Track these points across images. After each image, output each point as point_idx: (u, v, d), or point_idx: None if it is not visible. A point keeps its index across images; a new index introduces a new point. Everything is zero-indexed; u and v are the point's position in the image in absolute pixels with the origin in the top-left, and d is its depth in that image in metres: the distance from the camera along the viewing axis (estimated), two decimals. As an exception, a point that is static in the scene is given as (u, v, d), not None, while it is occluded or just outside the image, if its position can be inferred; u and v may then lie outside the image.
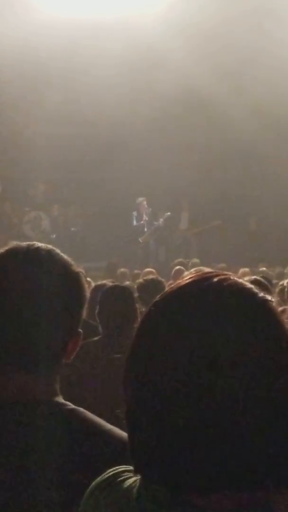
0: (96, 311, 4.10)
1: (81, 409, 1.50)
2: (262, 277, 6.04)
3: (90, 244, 16.93)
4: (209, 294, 1.03)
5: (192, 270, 4.06)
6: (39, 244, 1.52)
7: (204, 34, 14.31)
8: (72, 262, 1.53)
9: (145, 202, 15.66)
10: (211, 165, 16.39)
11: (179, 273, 9.51)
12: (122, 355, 3.60)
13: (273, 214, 16.35)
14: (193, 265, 10.07)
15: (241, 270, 10.51)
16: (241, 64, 14.61)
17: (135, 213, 15.76)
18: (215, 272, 1.08)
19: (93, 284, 5.81)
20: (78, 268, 1.54)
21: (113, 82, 15.01)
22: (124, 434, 1.42)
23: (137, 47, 14.52)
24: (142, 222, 15.76)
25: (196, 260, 12.02)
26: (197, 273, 1.09)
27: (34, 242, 1.53)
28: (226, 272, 1.09)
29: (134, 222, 15.81)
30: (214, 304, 1.02)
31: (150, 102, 15.74)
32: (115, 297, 4.02)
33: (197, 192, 16.50)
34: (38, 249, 1.50)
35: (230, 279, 1.05)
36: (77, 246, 16.35)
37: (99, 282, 5.84)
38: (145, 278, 6.39)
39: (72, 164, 16.94)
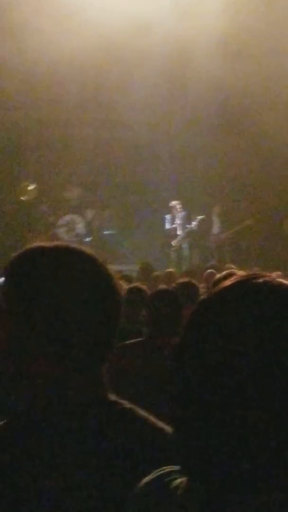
0: (143, 312, 4.13)
1: (138, 409, 1.48)
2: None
3: (123, 247, 16.96)
4: (253, 294, 1.04)
5: (224, 272, 4.07)
6: (81, 247, 1.52)
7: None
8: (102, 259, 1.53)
9: (178, 206, 15.64)
10: (244, 169, 16.31)
11: (211, 277, 9.51)
12: (164, 358, 3.64)
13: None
14: (226, 269, 10.04)
15: (274, 274, 10.42)
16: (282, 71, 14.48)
17: (168, 217, 15.74)
18: (259, 273, 1.09)
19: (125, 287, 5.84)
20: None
21: (149, 85, 15.01)
22: None
23: (173, 51, 14.51)
24: (175, 225, 15.74)
25: (231, 265, 11.97)
26: (242, 275, 1.10)
27: (75, 245, 1.53)
28: (268, 274, 1.09)
29: (167, 226, 15.80)
30: (258, 303, 1.02)
31: (184, 105, 15.73)
32: (164, 301, 4.04)
33: (230, 197, 16.45)
34: (82, 252, 1.50)
35: (274, 279, 1.07)
36: (111, 249, 16.41)
37: (132, 285, 5.87)
38: (178, 281, 6.40)
39: (106, 167, 16.99)
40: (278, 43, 14.07)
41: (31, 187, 16.31)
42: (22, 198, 16.16)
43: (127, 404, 1.48)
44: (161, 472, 1.16)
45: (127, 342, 4.08)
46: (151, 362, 3.82)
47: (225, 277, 3.74)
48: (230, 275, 3.76)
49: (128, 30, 14.02)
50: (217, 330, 1.02)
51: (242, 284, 1.06)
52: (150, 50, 14.50)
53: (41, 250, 1.47)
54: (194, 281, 6.75)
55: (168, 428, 1.43)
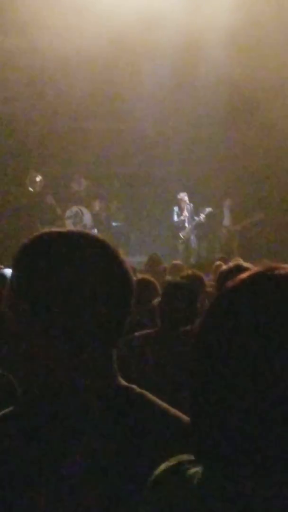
0: (158, 304, 4.17)
1: (149, 395, 1.49)
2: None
3: (131, 239, 17.00)
4: (277, 284, 1.03)
5: (230, 263, 4.08)
6: (92, 233, 1.54)
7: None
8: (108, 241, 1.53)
9: (186, 197, 15.63)
10: (255, 162, 16.28)
11: (219, 269, 9.49)
12: (176, 350, 3.64)
13: None
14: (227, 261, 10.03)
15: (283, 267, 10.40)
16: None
17: (176, 208, 15.74)
18: (279, 265, 1.09)
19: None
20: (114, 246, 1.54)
21: (157, 77, 15.01)
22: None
23: (182, 44, 14.48)
24: (182, 217, 15.74)
25: (238, 258, 11.94)
26: (260, 267, 1.09)
27: (86, 231, 1.55)
28: (282, 266, 1.09)
29: (175, 218, 15.80)
30: (283, 293, 1.02)
31: (193, 98, 15.70)
32: (179, 293, 4.05)
33: (241, 189, 16.43)
34: (93, 237, 1.51)
35: (286, 270, 1.06)
36: (118, 241, 16.43)
37: (139, 277, 5.84)
38: (182, 274, 6.41)
39: (114, 159, 17.01)
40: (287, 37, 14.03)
41: (38, 178, 16.34)
42: (30, 189, 16.19)
43: (137, 389, 1.49)
44: (177, 460, 1.16)
45: (138, 333, 4.08)
46: (163, 353, 3.82)
47: (232, 270, 3.74)
48: (237, 267, 3.75)
49: (136, 23, 14.03)
50: (241, 321, 1.02)
51: (264, 274, 1.06)
52: (158, 42, 14.52)
53: (53, 235, 1.49)
54: (199, 273, 6.75)
55: (179, 414, 1.46)
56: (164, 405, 1.48)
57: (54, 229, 1.52)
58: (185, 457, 1.15)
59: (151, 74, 14.93)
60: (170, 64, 15.01)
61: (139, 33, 14.06)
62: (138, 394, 1.48)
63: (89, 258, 1.44)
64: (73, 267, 1.42)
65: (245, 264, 3.90)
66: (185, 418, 1.43)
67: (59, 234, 1.49)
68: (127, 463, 1.37)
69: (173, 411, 1.47)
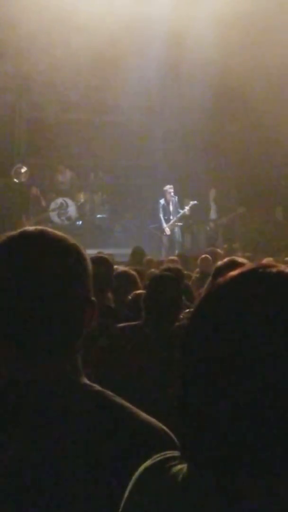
0: (143, 296, 4.17)
1: (108, 392, 1.48)
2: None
3: (115, 231, 16.98)
4: (267, 283, 1.03)
5: (226, 259, 4.07)
6: (31, 228, 1.52)
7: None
8: (67, 236, 1.52)
9: (171, 190, 15.62)
10: (240, 155, 16.32)
11: (205, 262, 9.53)
12: (160, 342, 3.66)
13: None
14: (219, 254, 10.05)
15: (265, 260, 10.46)
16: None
17: (162, 201, 15.73)
18: (270, 263, 1.07)
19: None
20: (73, 240, 1.53)
21: (143, 69, 14.98)
22: (151, 419, 1.44)
23: (167, 36, 14.47)
24: (168, 209, 15.73)
25: (218, 250, 11.97)
26: (253, 264, 1.09)
27: (27, 227, 1.52)
28: (273, 263, 1.08)
29: (160, 210, 15.79)
30: (272, 292, 1.01)
31: (179, 90, 15.69)
32: (164, 287, 4.05)
33: (225, 181, 16.47)
34: (30, 232, 1.50)
35: (278, 268, 1.05)
36: (103, 233, 16.42)
37: (120, 269, 5.83)
38: (162, 267, 6.42)
39: (99, 151, 16.97)
40: (275, 29, 14.03)
41: (23, 170, 16.28)
42: (15, 180, 16.12)
43: (97, 387, 1.48)
44: (161, 457, 1.15)
45: (123, 324, 4.09)
46: (147, 345, 3.83)
47: (228, 265, 3.74)
48: (232, 262, 3.75)
49: (123, 15, 13.97)
50: (228, 319, 1.01)
51: (255, 273, 1.05)
52: (145, 35, 14.47)
53: (13, 237, 1.50)
54: (179, 266, 6.77)
55: (137, 412, 1.45)
56: (124, 403, 1.47)
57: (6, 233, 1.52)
58: (169, 454, 1.15)
59: (137, 66, 14.89)
60: (156, 57, 14.98)
61: (126, 27, 14.03)
62: (99, 392, 1.47)
63: (46, 257, 1.44)
64: (29, 268, 1.42)
65: (240, 260, 3.90)
66: (145, 416, 1.45)
67: (19, 235, 1.49)
68: (87, 461, 1.37)
69: (134, 410, 1.46)
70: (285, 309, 0.99)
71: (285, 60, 14.25)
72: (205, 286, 5.22)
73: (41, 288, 1.41)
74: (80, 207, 16.75)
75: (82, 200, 16.88)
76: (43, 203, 16.20)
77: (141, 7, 14.26)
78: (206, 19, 14.24)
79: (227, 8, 14.04)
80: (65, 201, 16.47)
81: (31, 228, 1.51)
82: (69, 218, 16.35)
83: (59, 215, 16.29)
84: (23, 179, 16.20)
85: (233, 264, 3.65)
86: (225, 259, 4.03)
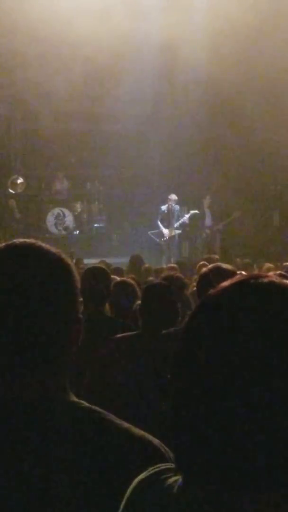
0: (138, 306, 4.14)
1: (97, 408, 1.44)
2: (287, 271, 6.04)
3: (113, 240, 16.97)
4: (259, 294, 1.02)
5: (210, 265, 4.07)
6: (18, 240, 1.48)
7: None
8: (55, 250, 1.48)
9: (175, 199, 15.58)
10: (235, 161, 16.34)
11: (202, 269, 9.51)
12: (159, 350, 3.65)
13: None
14: (215, 261, 10.02)
15: (266, 265, 10.46)
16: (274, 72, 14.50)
17: (163, 207, 15.70)
18: (261, 274, 1.07)
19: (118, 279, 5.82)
20: (62, 254, 1.49)
21: (137, 78, 15.00)
22: (141, 433, 1.42)
23: (162, 44, 14.51)
24: (168, 217, 15.71)
25: (217, 257, 11.97)
26: (239, 276, 1.07)
27: (13, 241, 1.49)
28: (265, 274, 1.08)
29: (159, 216, 15.76)
30: (264, 303, 1.01)
31: (173, 98, 15.73)
32: (159, 296, 4.03)
33: (220, 187, 16.48)
34: (16, 245, 1.46)
35: (278, 279, 1.05)
36: (100, 242, 16.42)
37: (119, 279, 5.82)
38: (163, 275, 6.41)
39: (95, 160, 16.99)
40: (269, 38, 14.09)
41: (20, 181, 16.29)
42: (10, 190, 16.13)
43: (85, 404, 1.44)
44: (156, 469, 1.15)
45: (121, 335, 4.07)
46: (144, 356, 3.82)
47: (212, 271, 3.73)
48: (216, 269, 3.74)
49: (117, 23, 14.01)
50: (221, 332, 1.00)
51: (247, 284, 1.04)
52: (138, 43, 14.49)
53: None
54: (179, 274, 6.76)
55: (128, 427, 1.42)
56: (115, 419, 1.44)
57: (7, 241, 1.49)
58: (164, 466, 1.14)
59: (132, 75, 14.91)
60: (151, 66, 15.02)
61: (120, 35, 14.06)
62: (86, 409, 1.43)
63: (32, 272, 1.41)
64: (14, 283, 1.39)
65: (225, 266, 3.88)
66: (137, 431, 1.42)
67: (6, 247, 1.46)
68: (73, 480, 1.34)
69: (123, 425, 1.43)
70: (277, 320, 0.99)
71: (279, 68, 14.30)
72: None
73: (26, 304, 1.38)
74: (77, 217, 16.75)
75: (79, 210, 16.89)
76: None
77: (136, 18, 14.30)
78: (199, 29, 14.29)
79: (221, 18, 14.10)
80: (62, 211, 16.48)
81: (19, 240, 1.48)
82: (66, 228, 16.35)
83: (56, 225, 16.29)
84: (19, 190, 16.22)
85: (218, 271, 3.64)
86: (210, 266, 4.02)
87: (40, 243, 1.49)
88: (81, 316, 1.48)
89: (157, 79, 15.52)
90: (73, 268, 1.50)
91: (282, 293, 1.02)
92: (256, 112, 14.56)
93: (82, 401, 1.45)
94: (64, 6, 14.12)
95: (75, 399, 1.45)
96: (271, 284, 1.03)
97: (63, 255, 1.49)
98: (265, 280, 1.04)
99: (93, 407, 1.44)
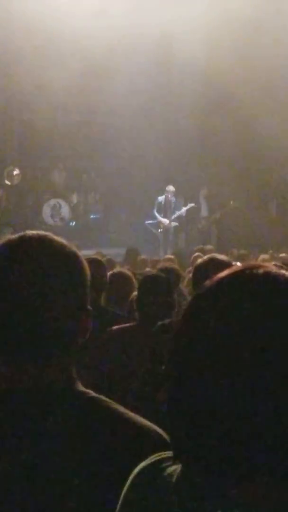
0: (135, 298, 4.14)
1: (102, 397, 1.48)
2: (283, 263, 6.03)
3: (109, 231, 16.98)
4: (254, 284, 1.02)
5: (205, 257, 4.05)
6: (31, 232, 1.50)
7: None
8: (66, 243, 1.50)
9: (173, 190, 15.60)
10: (231, 152, 16.32)
11: (197, 260, 9.49)
12: (155, 342, 3.65)
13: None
14: (207, 252, 10.02)
15: (261, 256, 10.47)
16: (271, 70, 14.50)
17: (160, 198, 15.70)
18: (257, 264, 1.07)
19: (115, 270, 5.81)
20: (73, 247, 1.51)
21: (133, 70, 14.99)
22: (145, 422, 1.45)
23: (157, 38, 14.49)
24: (164, 208, 15.72)
25: (209, 247, 11.98)
26: (237, 267, 1.07)
27: (25, 232, 1.51)
28: (262, 264, 1.07)
29: (156, 207, 15.77)
30: (260, 293, 1.01)
31: (169, 90, 15.72)
32: (155, 287, 4.02)
33: (216, 179, 16.48)
34: (30, 237, 1.48)
35: (273, 269, 1.05)
36: (96, 233, 16.42)
37: (115, 270, 5.81)
38: (159, 266, 6.40)
39: (91, 152, 16.97)
40: (265, 31, 14.09)
41: (16, 172, 16.27)
42: (7, 182, 16.11)
43: (92, 393, 1.48)
44: (157, 458, 1.15)
45: (117, 327, 4.07)
46: (140, 347, 3.82)
47: (207, 263, 3.73)
48: (212, 260, 3.74)
49: (113, 16, 13.99)
50: (217, 322, 1.00)
51: (243, 274, 1.04)
52: (134, 36, 14.46)
53: (11, 241, 1.49)
54: (175, 266, 6.76)
55: (133, 417, 1.45)
56: (118, 407, 1.47)
57: (7, 237, 1.51)
58: (165, 455, 1.15)
59: (128, 68, 14.90)
60: (146, 57, 14.99)
61: (117, 31, 14.05)
62: (93, 398, 1.47)
63: (44, 264, 1.43)
64: (26, 274, 1.42)
65: (220, 257, 3.87)
66: (139, 419, 1.45)
67: (19, 239, 1.48)
68: (77, 469, 1.37)
69: (129, 414, 1.46)
70: (273, 310, 0.99)
71: (277, 60, 14.28)
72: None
73: (37, 295, 1.40)
74: (73, 208, 16.74)
75: (75, 201, 16.88)
76: (35, 205, 16.17)
77: (132, 11, 14.28)
78: (197, 22, 14.27)
79: (217, 11, 14.09)
80: (58, 202, 16.47)
81: (32, 232, 1.50)
82: (62, 219, 16.35)
83: (52, 216, 16.29)
84: (15, 182, 16.20)
85: (214, 263, 3.63)
86: (205, 257, 4.00)
87: (52, 235, 1.51)
88: (90, 308, 1.50)
89: (154, 72, 15.50)
90: (84, 261, 1.52)
91: (278, 282, 1.02)
92: (253, 104, 14.54)
93: (89, 391, 1.48)
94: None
95: (82, 388, 1.48)
96: (267, 274, 1.03)
97: (75, 248, 1.51)
98: (261, 270, 1.03)
99: (100, 396, 1.48)
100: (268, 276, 1.03)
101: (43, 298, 1.41)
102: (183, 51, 14.45)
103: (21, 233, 1.51)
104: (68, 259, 1.47)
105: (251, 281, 1.02)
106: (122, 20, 14.09)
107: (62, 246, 1.48)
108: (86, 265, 1.51)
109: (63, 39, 14.07)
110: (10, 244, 1.47)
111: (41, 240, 1.47)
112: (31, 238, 1.48)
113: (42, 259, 1.44)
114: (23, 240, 1.47)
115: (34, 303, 1.40)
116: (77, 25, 13.83)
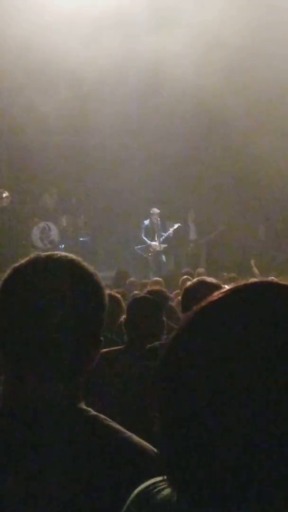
0: (123, 320, 4.13)
1: (102, 416, 1.50)
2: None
3: (98, 254, 16.97)
4: (248, 303, 1.02)
5: (195, 279, 4.06)
6: (61, 254, 1.53)
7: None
8: (94, 271, 1.54)
9: (158, 212, 15.66)
10: (219, 176, 16.41)
11: (185, 283, 9.50)
12: (144, 365, 3.63)
13: (281, 223, 16.39)
14: (198, 275, 10.04)
15: (251, 280, 10.46)
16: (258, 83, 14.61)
17: (146, 222, 15.75)
18: (245, 283, 1.08)
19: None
20: (99, 278, 1.55)
21: (122, 92, 15.07)
22: (142, 442, 1.48)
23: (147, 60, 14.60)
24: (151, 231, 15.75)
25: (201, 270, 12.00)
26: (230, 288, 1.08)
27: (56, 252, 1.54)
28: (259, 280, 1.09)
29: (143, 231, 15.81)
30: (254, 311, 1.01)
31: (158, 111, 15.79)
32: (144, 309, 4.02)
33: (205, 204, 16.55)
34: (59, 258, 1.51)
35: (262, 283, 1.06)
36: (85, 256, 16.34)
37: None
38: (148, 289, 6.40)
39: (80, 174, 17.01)
40: (253, 50, 14.22)
41: (5, 194, 16.25)
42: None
43: (92, 412, 1.51)
44: (153, 482, 1.15)
45: (105, 350, 4.05)
46: (131, 369, 3.80)
47: (196, 285, 3.72)
48: (201, 283, 3.74)
49: (103, 40, 14.10)
50: (206, 345, 1.00)
51: (235, 295, 1.05)
52: (124, 59, 14.57)
53: (25, 263, 1.52)
54: (163, 288, 6.77)
55: (131, 436, 1.48)
56: (117, 427, 1.50)
57: (36, 254, 1.53)
58: (159, 478, 1.14)
59: (117, 90, 14.98)
60: (137, 82, 15.10)
61: (106, 51, 14.14)
62: (93, 417, 1.49)
63: (71, 288, 1.46)
64: (50, 295, 1.43)
65: (209, 279, 3.88)
66: (137, 439, 1.48)
67: (30, 261, 1.51)
68: (77, 485, 1.39)
69: (127, 434, 1.49)
70: (265, 332, 0.98)
71: (264, 85, 14.41)
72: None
73: (58, 316, 1.43)
74: (62, 231, 16.74)
75: (64, 224, 16.88)
76: (24, 228, 16.14)
77: (122, 34, 14.40)
78: (186, 46, 14.40)
79: (206, 37, 14.23)
80: (47, 225, 16.45)
81: (60, 253, 1.53)
82: (51, 242, 16.32)
83: (41, 239, 16.26)
84: (4, 204, 16.17)
85: (203, 285, 3.64)
86: (194, 280, 4.02)
87: (80, 260, 1.55)
88: (102, 338, 1.54)
89: (144, 96, 15.59)
90: (106, 293, 1.56)
91: (270, 301, 1.03)
92: (242, 129, 14.65)
93: (90, 409, 1.52)
94: (52, 22, 14.20)
95: (83, 406, 1.51)
96: (258, 293, 1.04)
97: (96, 275, 1.54)
98: (251, 290, 1.05)
99: (99, 414, 1.51)
100: (260, 296, 1.03)
101: (61, 321, 1.43)
102: (173, 76, 14.57)
103: (49, 252, 1.53)
104: (98, 289, 1.51)
105: (247, 294, 1.04)
106: (112, 44, 14.19)
107: (89, 274, 1.52)
108: (106, 297, 1.55)
109: (55, 63, 14.15)
110: (38, 261, 1.50)
111: (72, 263, 1.51)
112: (60, 258, 1.51)
113: (69, 283, 1.46)
114: (53, 260, 1.50)
115: (53, 326, 1.42)
116: (69, 51, 13.93)
